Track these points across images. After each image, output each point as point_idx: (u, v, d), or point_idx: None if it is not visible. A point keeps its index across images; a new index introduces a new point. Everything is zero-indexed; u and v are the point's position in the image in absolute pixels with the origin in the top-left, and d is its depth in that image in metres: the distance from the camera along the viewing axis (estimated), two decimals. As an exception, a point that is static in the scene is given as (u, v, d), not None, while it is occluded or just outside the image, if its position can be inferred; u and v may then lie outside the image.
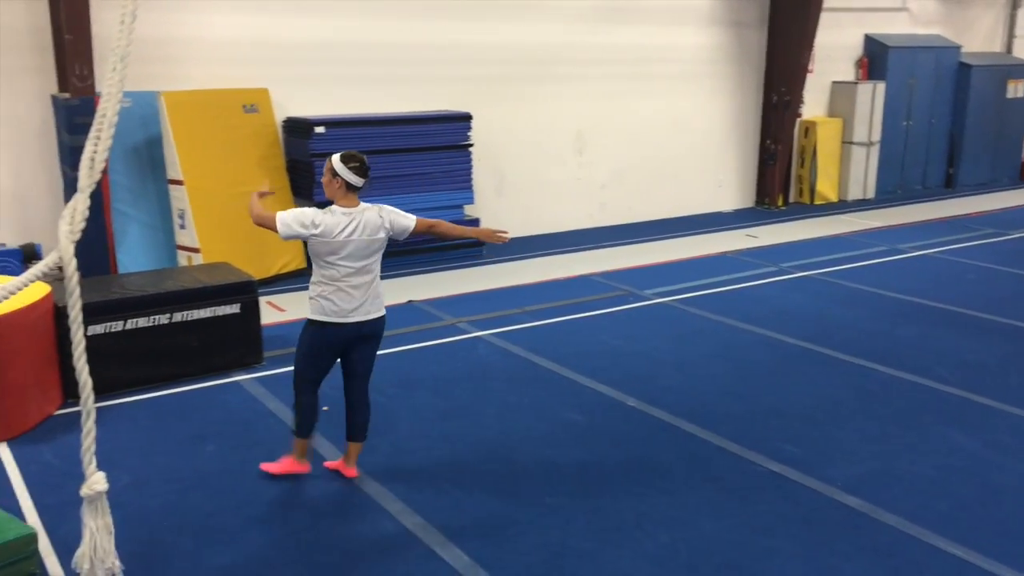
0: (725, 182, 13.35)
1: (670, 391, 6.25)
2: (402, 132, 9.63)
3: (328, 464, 5.06)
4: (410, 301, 8.34)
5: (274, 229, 4.55)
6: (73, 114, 7.95)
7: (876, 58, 14.31)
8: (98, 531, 3.50)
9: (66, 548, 4.03)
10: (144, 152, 8.60)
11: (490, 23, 10.57)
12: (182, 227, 8.50)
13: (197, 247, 8.36)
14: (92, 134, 3.31)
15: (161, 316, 6.18)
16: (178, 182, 8.40)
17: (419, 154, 9.75)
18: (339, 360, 4.87)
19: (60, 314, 5.72)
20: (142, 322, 6.11)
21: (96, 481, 3.48)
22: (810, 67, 13.18)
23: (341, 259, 4.57)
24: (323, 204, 10.30)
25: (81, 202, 3.27)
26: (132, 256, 8.50)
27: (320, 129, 9.10)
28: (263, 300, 6.76)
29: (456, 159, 10.04)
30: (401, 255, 9.69)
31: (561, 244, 10.96)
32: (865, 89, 13.89)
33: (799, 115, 13.47)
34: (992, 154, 15.89)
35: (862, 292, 8.85)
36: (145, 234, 8.64)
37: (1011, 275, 9.58)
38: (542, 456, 5.25)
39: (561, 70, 11.27)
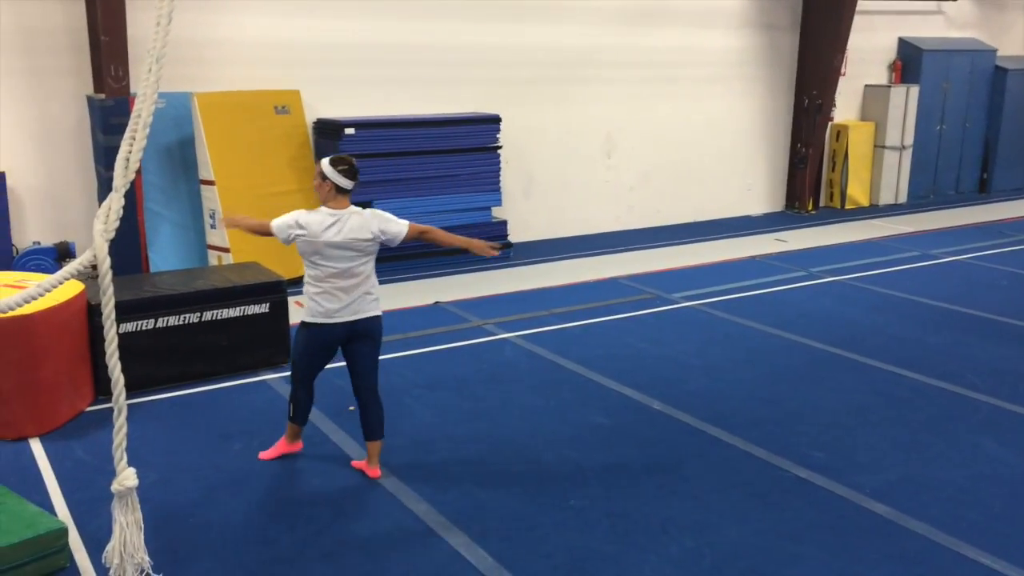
0: (755, 186, 13.26)
1: (697, 395, 6.22)
2: (431, 134, 9.67)
3: (354, 463, 5.10)
4: (437, 302, 8.37)
5: (269, 233, 4.74)
6: (108, 115, 8.07)
7: (910, 61, 14.15)
8: (128, 526, 3.54)
9: (96, 543, 4.09)
10: (176, 152, 8.71)
11: (520, 25, 10.59)
12: (213, 227, 8.59)
13: (227, 247, 8.44)
14: (127, 134, 3.36)
15: (191, 315, 6.25)
16: (209, 182, 8.49)
17: (448, 156, 9.78)
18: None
19: (93, 312, 5.81)
20: (173, 321, 6.18)
21: (127, 477, 3.53)
22: (842, 70, 13.06)
23: (324, 260, 4.71)
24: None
25: (116, 201, 3.31)
26: (163, 255, 8.61)
27: (350, 130, 9.16)
28: (291, 300, 6.81)
29: (484, 161, 10.05)
30: (428, 256, 9.73)
31: (588, 247, 10.94)
32: (898, 92, 13.74)
33: (831, 118, 13.35)
34: (1028, 159, 15.67)
35: (893, 298, 8.76)
36: (176, 234, 8.75)
37: (1046, 282, 9.43)
38: (567, 458, 5.24)
39: (590, 72, 11.26)
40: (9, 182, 8.19)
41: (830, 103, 13.06)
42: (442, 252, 9.81)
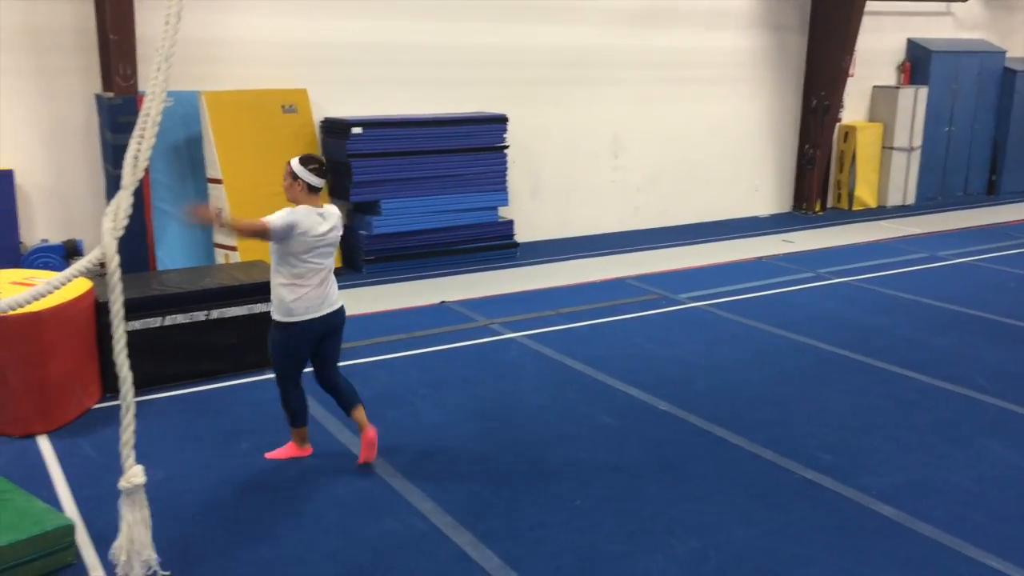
0: (762, 186, 13.24)
1: (703, 396, 6.21)
2: (438, 133, 9.68)
3: (360, 460, 5.10)
4: (443, 302, 8.37)
5: (265, 235, 4.62)
6: (116, 113, 8.10)
7: (919, 62, 14.11)
8: (135, 523, 3.55)
9: (103, 539, 4.10)
10: (184, 151, 8.73)
11: (528, 26, 10.59)
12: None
13: (234, 245, 8.46)
14: (136, 133, 3.37)
15: (199, 313, 6.26)
16: (217, 181, 8.51)
17: (454, 156, 9.79)
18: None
19: (100, 309, 5.82)
20: (180, 319, 6.19)
21: (134, 474, 3.54)
22: (851, 71, 13.03)
23: (316, 257, 4.77)
24: (360, 204, 10.37)
25: (124, 199, 3.32)
26: (171, 253, 8.63)
27: (357, 130, 9.17)
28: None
29: (491, 161, 10.06)
30: (435, 256, 9.74)
31: (595, 247, 10.94)
32: (907, 94, 13.70)
33: (839, 119, 13.33)
34: (1036, 161, 15.62)
35: (900, 299, 8.73)
36: (184, 232, 8.77)
37: (1055, 284, 9.39)
38: (573, 458, 5.24)
39: (598, 73, 11.25)
40: (18, 180, 8.22)
41: (838, 104, 13.03)
42: (449, 252, 9.82)
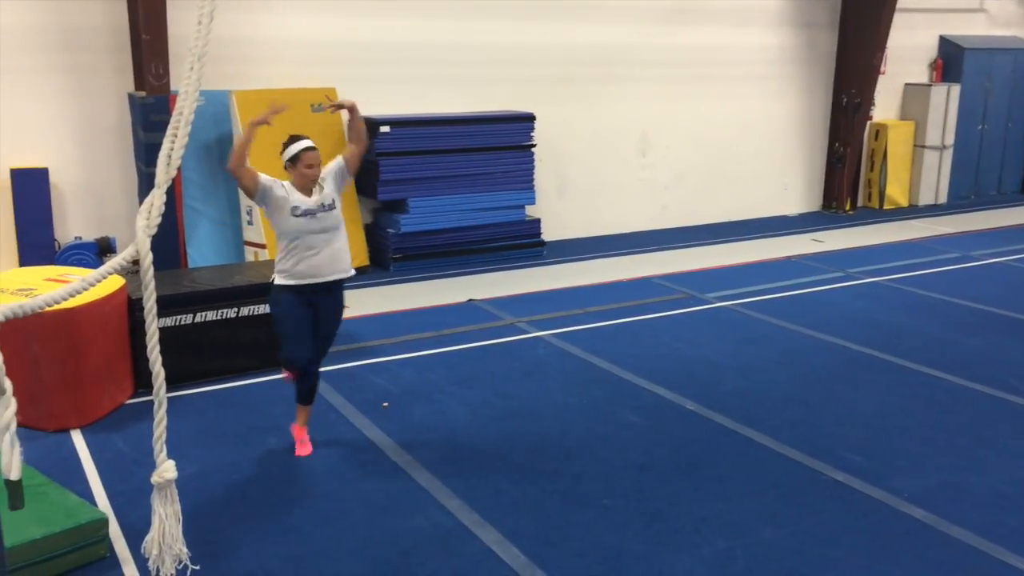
0: (791, 185, 13.13)
1: (731, 396, 6.18)
2: (465, 132, 9.70)
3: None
4: (471, 300, 8.39)
5: (251, 185, 4.89)
6: (149, 112, 8.19)
7: (951, 60, 13.93)
8: (167, 518, 3.58)
9: (135, 533, 4.16)
10: (215, 150, 8.81)
11: (555, 24, 10.57)
12: (250, 223, 8.69)
13: (263, 243, 8.53)
14: (169, 132, 3.39)
15: (229, 310, 6.32)
16: (247, 179, 8.57)
17: (482, 154, 9.80)
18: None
19: (133, 306, 5.90)
20: (211, 315, 6.26)
21: (166, 469, 3.57)
22: (882, 68, 12.89)
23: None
24: (388, 202, 10.38)
25: (158, 198, 3.35)
26: (201, 251, 8.72)
27: (385, 128, 9.21)
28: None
29: (518, 159, 10.06)
30: (463, 254, 9.76)
31: (622, 246, 10.91)
32: (939, 91, 13.53)
33: (870, 117, 13.19)
34: (1072, 159, 15.36)
35: (932, 299, 8.63)
36: (214, 230, 8.85)
37: (1090, 285, 9.24)
38: (600, 457, 5.24)
39: (625, 71, 11.21)
40: (52, 178, 8.33)
41: (869, 102, 12.89)
42: (477, 250, 9.83)
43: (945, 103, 13.59)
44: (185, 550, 3.79)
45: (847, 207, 13.22)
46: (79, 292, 3.26)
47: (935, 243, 11.23)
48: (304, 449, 5.22)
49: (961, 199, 14.26)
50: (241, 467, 5.08)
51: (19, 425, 2.47)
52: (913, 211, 13.46)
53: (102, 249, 8.35)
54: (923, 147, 13.64)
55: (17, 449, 2.43)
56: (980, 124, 14.20)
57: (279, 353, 5.17)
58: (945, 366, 6.76)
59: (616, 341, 7.29)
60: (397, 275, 9.33)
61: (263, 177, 4.93)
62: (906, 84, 13.80)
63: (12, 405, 2.44)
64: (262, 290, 6.42)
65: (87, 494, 4.66)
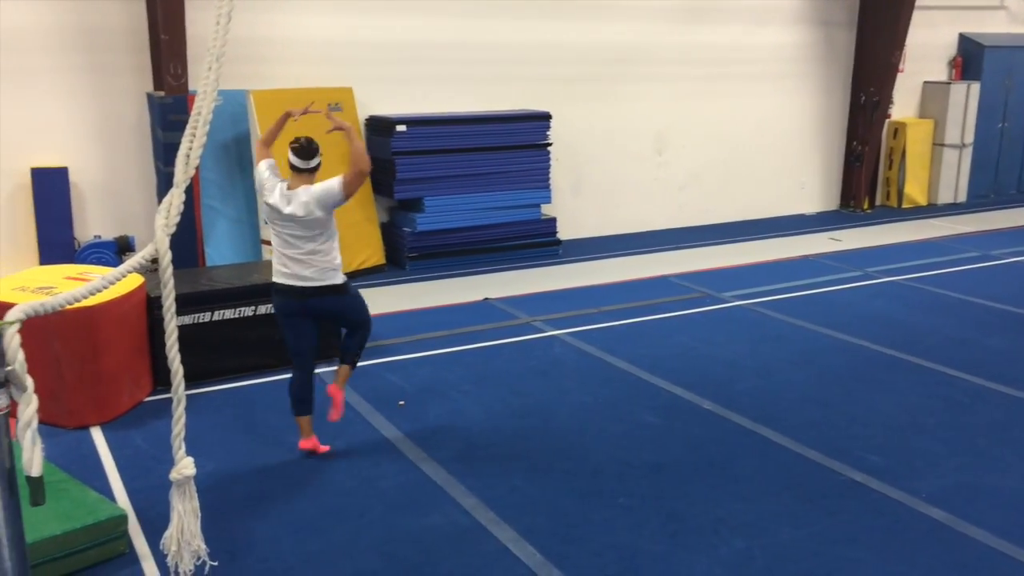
0: (808, 184, 13.06)
1: (748, 395, 6.16)
2: (481, 131, 9.70)
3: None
4: (486, 299, 8.39)
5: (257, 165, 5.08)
6: (167, 112, 8.24)
7: (971, 58, 13.82)
8: (185, 514, 3.60)
9: (154, 529, 4.18)
10: (233, 149, 8.86)
11: (571, 23, 10.56)
12: (267, 222, 8.71)
13: (281, 242, 8.55)
14: (188, 131, 3.41)
15: (246, 308, 6.35)
16: (264, 178, 8.61)
17: (497, 153, 9.80)
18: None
19: (152, 304, 5.94)
20: (228, 314, 6.29)
21: (185, 466, 3.59)
22: (901, 66, 12.81)
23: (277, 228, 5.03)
24: (404, 201, 10.41)
25: (176, 197, 3.37)
26: (219, 250, 8.76)
27: (401, 127, 9.23)
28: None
29: (534, 158, 10.06)
30: (478, 253, 9.76)
31: (638, 244, 10.88)
32: (959, 89, 13.43)
33: (888, 116, 13.10)
34: (1094, 158, 15.20)
35: (951, 299, 8.57)
36: (232, 228, 8.90)
37: (1112, 284, 9.14)
38: (616, 456, 5.23)
39: (641, 69, 11.19)
40: (72, 177, 8.40)
41: (887, 100, 12.81)
42: (492, 249, 9.84)
43: (965, 101, 13.49)
44: (204, 546, 3.81)
45: (865, 206, 13.14)
46: (99, 290, 3.28)
47: (954, 242, 11.15)
48: (316, 444, 5.24)
49: (980, 198, 14.14)
50: (259, 464, 5.11)
51: (40, 422, 2.49)
52: (932, 210, 13.37)
53: (121, 248, 8.41)
54: (942, 145, 13.54)
55: (38, 446, 2.45)
56: (1000, 122, 14.08)
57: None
58: (964, 366, 6.71)
59: (632, 340, 7.28)
60: (413, 274, 9.35)
61: (264, 163, 5.03)
62: (925, 82, 13.70)
63: (34, 402, 2.46)
64: (279, 289, 6.47)
65: (107, 491, 4.70)
